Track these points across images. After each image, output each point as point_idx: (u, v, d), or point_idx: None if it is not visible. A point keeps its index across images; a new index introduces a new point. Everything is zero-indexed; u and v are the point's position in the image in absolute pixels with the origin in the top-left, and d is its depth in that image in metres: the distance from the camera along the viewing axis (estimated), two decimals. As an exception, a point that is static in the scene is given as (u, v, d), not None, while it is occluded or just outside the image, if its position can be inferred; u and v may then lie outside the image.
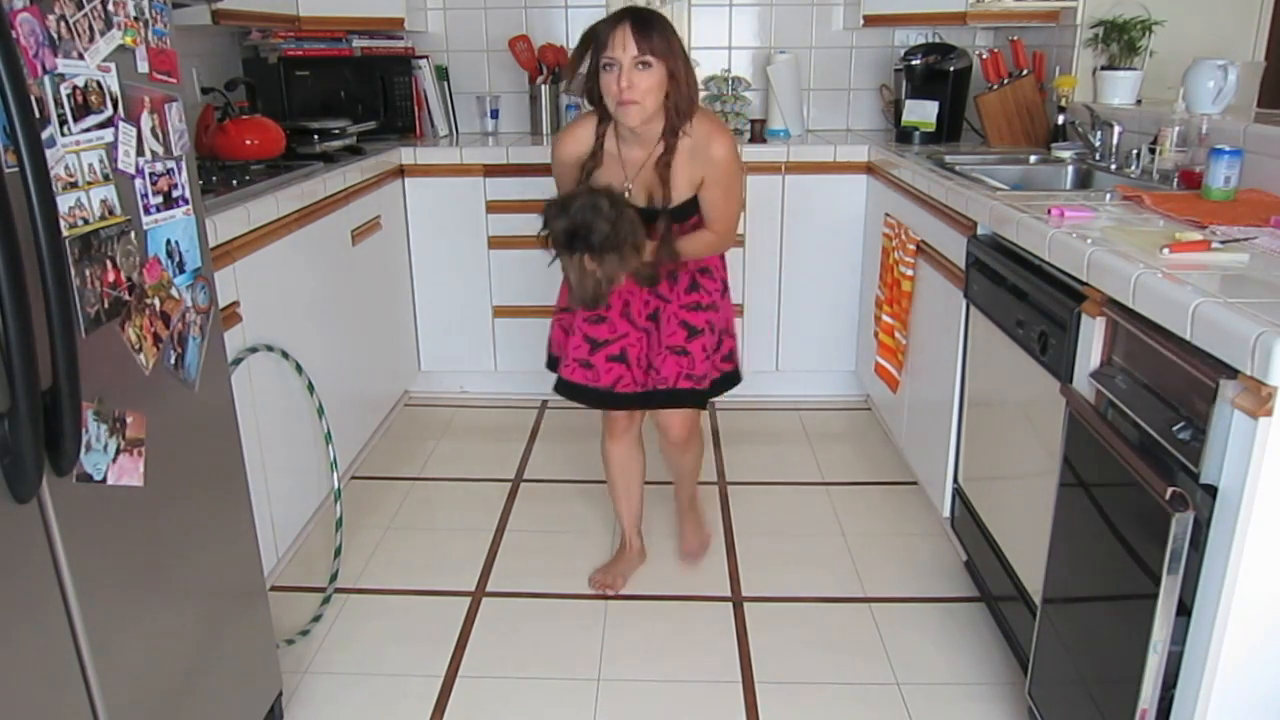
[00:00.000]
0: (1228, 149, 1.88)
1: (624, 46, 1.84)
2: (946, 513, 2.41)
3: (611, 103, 1.88)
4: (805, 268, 3.33)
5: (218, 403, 1.61)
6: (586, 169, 2.02)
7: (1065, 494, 1.60)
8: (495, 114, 3.73)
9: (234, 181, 2.27)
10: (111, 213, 1.29)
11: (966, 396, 2.25)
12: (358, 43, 3.44)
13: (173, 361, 1.45)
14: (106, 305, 1.28)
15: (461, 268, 3.37)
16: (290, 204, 2.33)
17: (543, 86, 3.61)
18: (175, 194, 1.45)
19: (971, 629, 2.17)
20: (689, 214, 2.04)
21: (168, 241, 1.44)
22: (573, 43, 4.63)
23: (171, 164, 1.44)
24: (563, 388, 2.17)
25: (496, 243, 3.33)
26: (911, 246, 2.60)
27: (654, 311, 2.12)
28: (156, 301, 1.40)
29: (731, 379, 2.25)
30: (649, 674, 2.03)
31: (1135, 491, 1.32)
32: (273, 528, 2.21)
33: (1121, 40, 2.80)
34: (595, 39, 1.89)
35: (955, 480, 2.36)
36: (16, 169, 1.05)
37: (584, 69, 1.94)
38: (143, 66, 1.38)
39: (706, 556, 2.47)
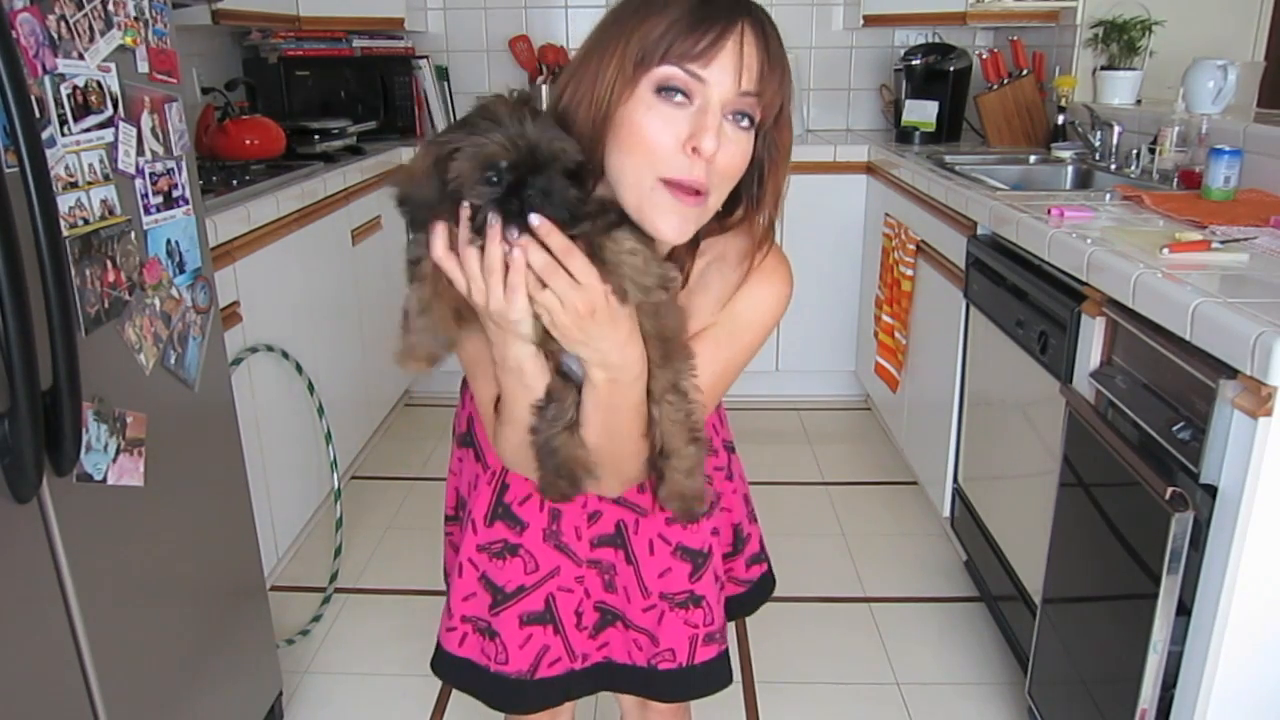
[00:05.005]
0: (1227, 149, 1.88)
1: (733, 67, 0.83)
2: (946, 513, 2.41)
3: (648, 179, 0.86)
4: (805, 268, 3.28)
5: (218, 403, 1.61)
6: None
7: (1065, 494, 1.60)
8: (495, 114, 3.73)
9: (234, 181, 2.26)
10: (111, 213, 1.29)
11: (966, 396, 2.25)
12: (358, 43, 3.44)
13: (173, 361, 1.45)
14: (106, 305, 1.28)
15: (461, 267, 3.36)
16: (290, 204, 2.33)
17: (543, 86, 3.61)
18: (175, 194, 1.45)
19: (971, 629, 2.17)
20: None
21: (168, 241, 1.44)
22: (574, 43, 4.54)
23: (171, 164, 1.44)
24: (443, 668, 1.18)
25: (496, 242, 3.32)
26: (911, 246, 2.60)
27: (614, 533, 1.12)
28: (156, 301, 1.40)
29: (765, 586, 1.35)
30: (649, 674, 2.03)
31: (1135, 491, 1.32)
32: (273, 528, 2.21)
33: (1121, 40, 2.80)
34: (654, 31, 0.84)
35: (955, 480, 2.36)
36: (16, 169, 1.05)
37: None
38: (143, 66, 1.38)
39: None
